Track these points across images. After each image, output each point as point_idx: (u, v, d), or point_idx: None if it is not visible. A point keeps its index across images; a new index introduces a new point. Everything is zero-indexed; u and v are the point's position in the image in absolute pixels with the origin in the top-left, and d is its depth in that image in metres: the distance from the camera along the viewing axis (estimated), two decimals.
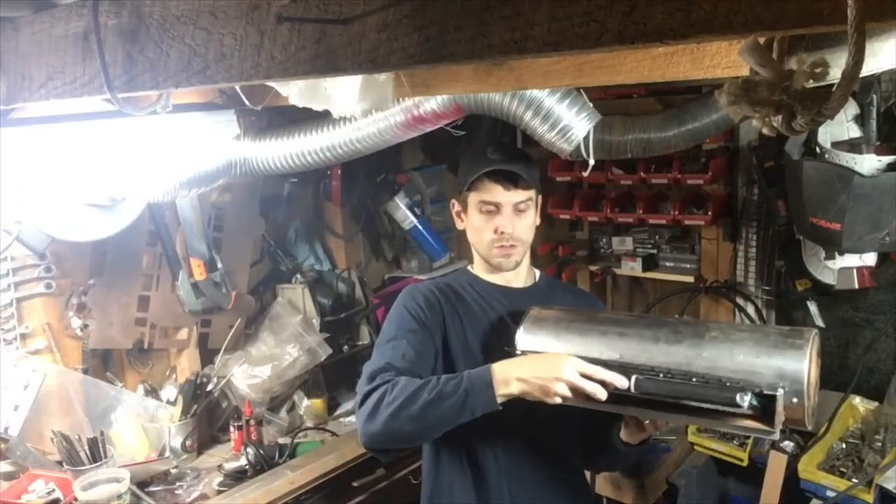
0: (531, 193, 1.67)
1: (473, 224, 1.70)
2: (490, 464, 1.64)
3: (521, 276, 1.77)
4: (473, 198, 1.67)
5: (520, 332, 1.58)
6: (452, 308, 1.69)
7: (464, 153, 1.81)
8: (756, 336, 1.38)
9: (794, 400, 1.29)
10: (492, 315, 1.70)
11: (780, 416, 1.28)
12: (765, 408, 1.30)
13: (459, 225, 1.76)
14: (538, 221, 1.75)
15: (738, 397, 1.27)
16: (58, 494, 2.09)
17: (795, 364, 1.30)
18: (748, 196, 2.92)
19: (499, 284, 1.74)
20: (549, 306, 1.65)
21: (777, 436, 1.31)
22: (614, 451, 1.67)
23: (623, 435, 1.61)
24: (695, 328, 1.45)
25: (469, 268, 1.81)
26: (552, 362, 1.41)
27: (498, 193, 1.63)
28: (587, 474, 2.00)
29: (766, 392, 1.29)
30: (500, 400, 1.42)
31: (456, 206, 1.76)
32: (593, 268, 3.38)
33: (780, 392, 1.28)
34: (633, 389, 1.38)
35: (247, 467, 2.44)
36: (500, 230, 1.65)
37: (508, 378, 1.41)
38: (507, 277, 1.75)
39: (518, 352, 1.56)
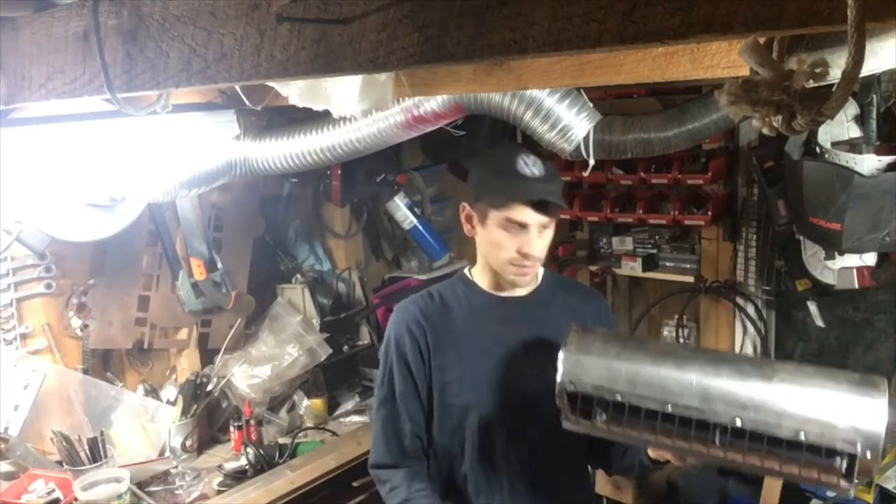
0: (558, 213, 1.60)
1: (493, 239, 1.58)
2: (495, 463, 1.63)
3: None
4: (498, 214, 1.55)
5: (562, 364, 1.43)
6: (444, 333, 1.63)
7: (484, 158, 1.65)
8: (828, 384, 1.29)
9: (869, 455, 1.22)
10: (483, 331, 1.64)
11: (858, 475, 1.23)
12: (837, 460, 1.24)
13: (469, 231, 1.65)
14: None
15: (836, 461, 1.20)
16: (58, 494, 2.09)
17: (874, 421, 1.23)
18: (748, 196, 2.93)
19: (498, 294, 1.68)
20: (589, 329, 1.51)
21: (852, 493, 1.28)
22: (638, 464, 1.65)
23: (652, 453, 1.55)
24: (761, 369, 1.35)
25: (467, 272, 1.73)
26: None
27: (528, 215, 1.54)
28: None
29: (847, 451, 1.23)
30: None
31: (466, 210, 1.63)
32: (593, 268, 3.37)
33: (859, 451, 1.22)
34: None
35: (247, 467, 2.44)
36: (525, 251, 1.55)
37: None
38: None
39: (562, 377, 1.41)
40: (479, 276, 1.69)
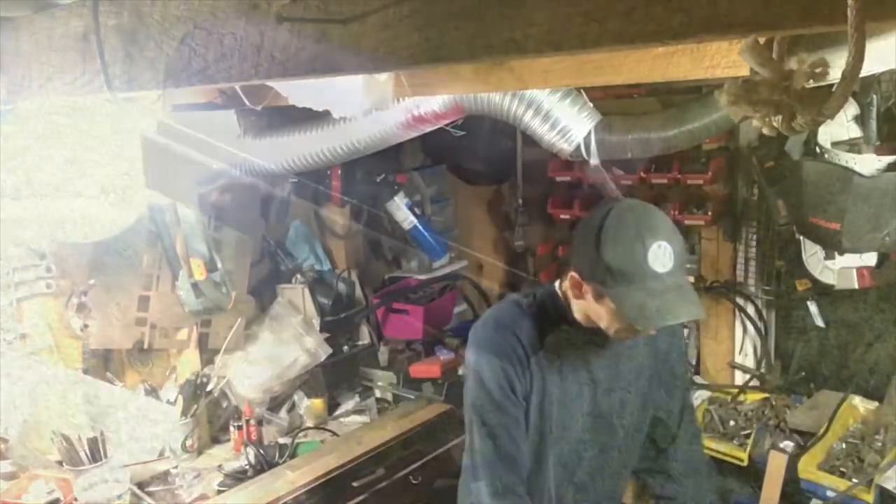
0: None
1: (608, 317, 1.46)
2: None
3: None
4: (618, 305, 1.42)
5: None
6: (535, 354, 1.54)
7: (608, 228, 1.40)
8: None
9: None
10: (569, 360, 1.57)
11: None
12: None
13: (578, 296, 1.50)
14: None
15: None
16: (58, 495, 2.09)
17: None
18: (748, 196, 2.92)
19: (587, 326, 1.55)
20: None
21: None
22: None
23: None
24: None
25: (559, 291, 1.59)
26: None
27: None
28: None
29: None
30: None
31: (576, 280, 1.48)
32: None
33: None
34: None
35: (247, 467, 2.44)
36: (639, 329, 1.46)
37: None
38: None
39: None
40: (576, 307, 1.56)
